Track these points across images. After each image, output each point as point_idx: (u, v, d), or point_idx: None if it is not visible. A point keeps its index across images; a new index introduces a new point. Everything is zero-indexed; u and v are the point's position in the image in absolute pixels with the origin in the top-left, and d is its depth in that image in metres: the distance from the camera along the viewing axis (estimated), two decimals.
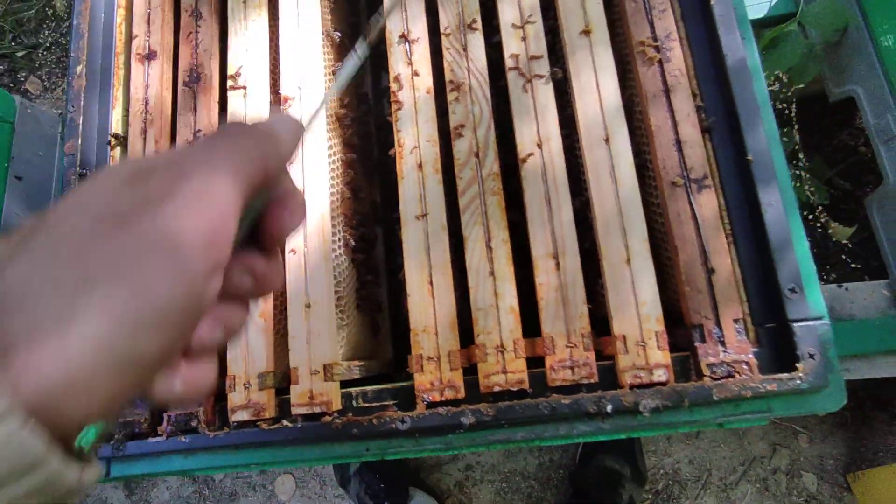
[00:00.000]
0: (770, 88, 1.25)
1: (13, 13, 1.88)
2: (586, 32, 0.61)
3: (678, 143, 0.57)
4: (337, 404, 0.59)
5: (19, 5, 1.89)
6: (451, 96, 0.61)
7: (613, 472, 1.49)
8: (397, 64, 0.63)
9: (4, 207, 1.14)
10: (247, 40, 0.69)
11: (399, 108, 0.63)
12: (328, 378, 0.58)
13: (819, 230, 1.34)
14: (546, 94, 0.60)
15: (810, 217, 1.33)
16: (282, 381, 0.61)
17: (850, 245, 1.32)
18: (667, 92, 0.58)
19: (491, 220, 0.57)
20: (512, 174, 0.61)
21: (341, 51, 0.76)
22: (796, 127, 1.28)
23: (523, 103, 0.60)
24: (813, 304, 0.53)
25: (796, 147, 1.28)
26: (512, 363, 0.55)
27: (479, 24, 0.62)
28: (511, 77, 0.61)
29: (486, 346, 0.55)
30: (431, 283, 0.58)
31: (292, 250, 0.62)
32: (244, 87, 0.67)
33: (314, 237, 0.62)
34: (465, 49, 0.61)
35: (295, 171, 0.64)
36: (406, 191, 0.60)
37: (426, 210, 0.59)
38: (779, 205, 0.54)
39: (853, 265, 1.37)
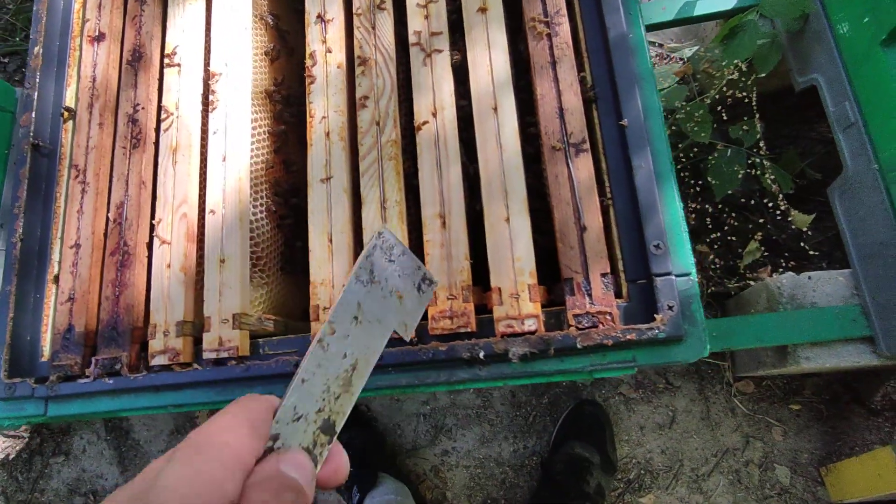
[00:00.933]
0: (730, 77, 1.26)
1: (25, 11, 2.00)
2: (482, 10, 0.65)
3: (560, 110, 0.60)
4: (244, 350, 0.64)
5: (30, 3, 2.01)
6: (358, 70, 0.66)
7: (582, 460, 1.51)
8: (313, 42, 0.68)
9: (3, 193, 1.23)
10: (184, 22, 0.75)
11: (312, 82, 0.68)
12: (236, 326, 0.63)
13: (779, 218, 1.34)
14: (443, 66, 0.65)
15: (770, 204, 1.33)
16: (198, 329, 0.66)
17: (809, 233, 1.32)
18: (553, 64, 0.62)
19: (387, 183, 0.62)
20: None
21: (276, 33, 0.81)
22: (757, 116, 1.29)
23: (422, 76, 0.65)
24: (678, 260, 0.56)
25: (758, 137, 1.29)
26: None
27: (387, 5, 0.67)
28: (413, 52, 0.66)
29: None
30: (331, 240, 0.62)
31: (212, 210, 0.67)
32: (179, 65, 0.73)
33: (231, 198, 0.67)
34: (373, 27, 0.66)
35: (217, 138, 0.69)
36: (314, 156, 0.65)
37: (330, 174, 0.64)
38: (649, 167, 0.57)
39: (811, 252, 1.37)
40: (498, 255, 0.58)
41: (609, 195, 0.59)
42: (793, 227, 1.33)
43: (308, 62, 0.68)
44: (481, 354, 0.56)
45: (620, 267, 0.58)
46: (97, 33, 0.77)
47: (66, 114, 0.77)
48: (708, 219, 1.41)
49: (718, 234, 1.37)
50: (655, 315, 0.54)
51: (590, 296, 0.56)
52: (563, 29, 0.63)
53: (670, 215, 0.57)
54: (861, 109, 1.16)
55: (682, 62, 1.45)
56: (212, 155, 0.69)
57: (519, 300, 0.56)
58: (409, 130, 0.65)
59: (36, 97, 0.76)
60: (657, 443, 1.73)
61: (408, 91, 0.67)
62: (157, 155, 0.71)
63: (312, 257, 0.62)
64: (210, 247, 0.66)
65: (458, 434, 1.61)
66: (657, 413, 1.73)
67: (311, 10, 0.70)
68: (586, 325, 0.55)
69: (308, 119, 0.67)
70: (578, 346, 0.54)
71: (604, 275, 0.56)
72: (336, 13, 0.70)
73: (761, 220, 1.38)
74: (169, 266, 0.67)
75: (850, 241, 1.25)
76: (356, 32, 0.68)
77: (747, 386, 1.71)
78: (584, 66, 0.64)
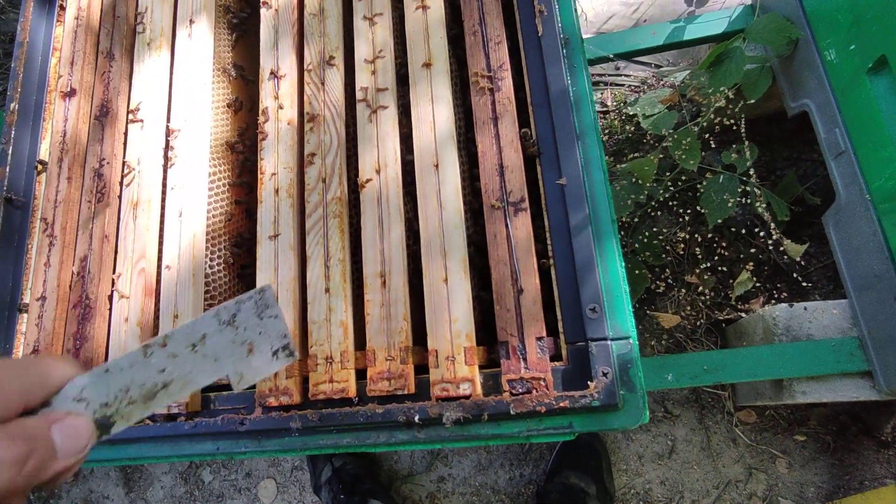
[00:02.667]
0: (717, 105, 1.24)
1: None
2: (427, 65, 0.65)
3: (501, 167, 0.60)
4: (195, 406, 0.65)
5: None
6: (307, 127, 0.67)
7: (578, 490, 1.49)
8: (265, 98, 0.69)
9: None
10: (148, 78, 0.77)
11: (264, 138, 0.69)
12: None
13: (771, 247, 1.30)
14: (388, 123, 0.65)
15: (761, 234, 1.29)
16: None
17: (802, 263, 1.28)
18: (495, 119, 0.62)
19: (331, 241, 0.62)
20: None
21: (241, 83, 0.83)
22: (747, 144, 1.26)
23: (367, 132, 0.65)
24: (617, 322, 0.55)
25: (748, 165, 1.26)
26: (338, 373, 0.59)
27: (336, 61, 0.67)
28: (360, 108, 0.66)
29: (318, 356, 0.60)
30: (276, 297, 0.63)
31: (168, 266, 0.69)
32: (141, 121, 0.75)
33: (186, 254, 0.68)
34: (322, 83, 0.67)
35: (175, 193, 0.71)
36: (262, 213, 0.66)
37: (278, 231, 0.65)
38: (587, 227, 0.56)
39: (804, 283, 1.33)
40: (435, 317, 0.58)
41: (551, 254, 0.59)
42: (786, 257, 1.29)
43: (260, 118, 0.69)
44: (416, 418, 0.55)
45: (560, 328, 0.57)
46: (69, 89, 0.80)
47: (39, 167, 0.80)
48: (698, 248, 1.37)
49: (709, 264, 1.34)
50: (588, 382, 0.52)
51: (525, 360, 0.55)
52: (506, 84, 0.63)
53: (610, 275, 0.56)
54: (851, 137, 1.12)
55: (671, 87, 1.43)
56: (169, 210, 0.70)
57: (455, 363, 0.56)
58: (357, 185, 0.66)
59: (10, 152, 0.79)
60: (656, 473, 1.69)
61: (356, 146, 0.67)
62: (121, 209, 0.73)
63: None
64: (165, 302, 0.68)
65: (455, 461, 1.60)
66: (656, 442, 1.69)
67: (265, 66, 0.71)
68: (520, 390, 0.54)
69: (259, 175, 0.68)
70: (512, 412, 0.53)
71: (539, 338, 0.55)
72: (289, 69, 0.71)
73: (753, 250, 1.34)
74: (126, 320, 0.68)
75: (845, 271, 1.21)
76: (306, 88, 0.69)
77: (749, 415, 1.66)
78: (530, 121, 0.63)
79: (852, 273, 1.18)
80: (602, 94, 1.80)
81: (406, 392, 0.57)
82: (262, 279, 0.64)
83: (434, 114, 0.63)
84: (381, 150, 0.64)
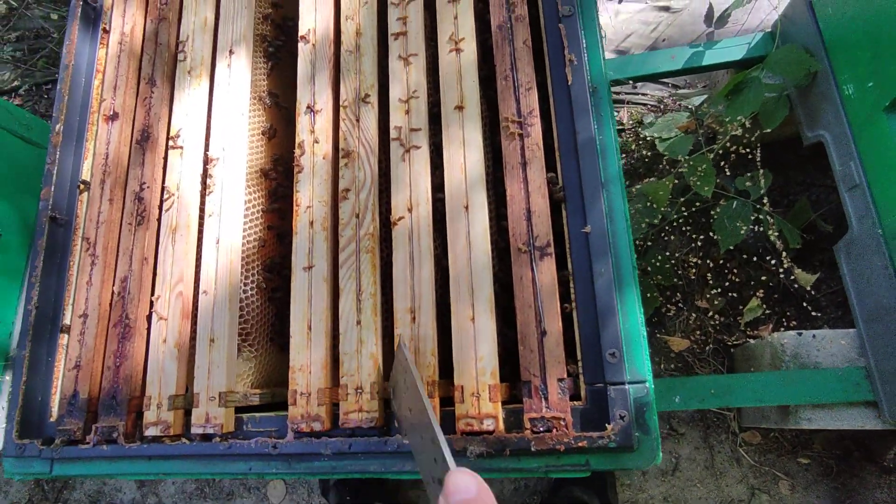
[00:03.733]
0: (733, 133, 1.26)
1: None
2: (459, 108, 0.68)
3: (528, 212, 0.63)
4: (229, 427, 0.68)
5: None
6: (342, 162, 0.70)
7: None
8: (302, 132, 0.73)
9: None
10: (188, 105, 0.80)
11: (300, 171, 0.72)
12: (222, 404, 0.68)
13: (782, 275, 1.32)
14: (420, 163, 0.68)
15: (773, 262, 1.31)
16: (190, 402, 0.71)
17: (812, 292, 1.30)
18: (524, 164, 0.64)
19: (363, 275, 0.65)
20: None
21: (276, 111, 0.86)
22: (761, 172, 1.28)
23: (400, 171, 0.68)
24: (635, 367, 0.58)
25: (762, 192, 1.28)
26: (368, 403, 0.62)
27: (372, 99, 0.70)
28: (393, 146, 0.69)
29: (349, 386, 0.63)
30: (310, 327, 0.66)
31: (204, 291, 0.72)
32: (181, 147, 0.78)
33: (222, 280, 0.72)
34: (357, 120, 0.70)
35: (212, 220, 0.74)
36: (297, 244, 0.70)
37: (312, 262, 0.68)
38: (609, 275, 0.59)
39: (814, 313, 1.34)
40: (462, 354, 0.61)
41: (574, 299, 0.61)
42: (796, 285, 1.31)
43: (297, 151, 0.73)
44: None
45: (579, 369, 0.60)
46: (112, 112, 0.84)
47: (81, 186, 0.84)
48: (709, 273, 1.40)
49: (719, 290, 1.36)
50: (606, 424, 0.55)
51: (546, 399, 0.58)
52: (535, 130, 0.66)
53: (630, 322, 0.59)
54: (865, 172, 1.14)
55: (688, 111, 1.45)
56: (207, 237, 0.74)
57: (479, 400, 0.59)
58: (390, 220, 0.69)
59: (55, 172, 0.83)
60: (659, 490, 1.72)
61: (390, 183, 0.70)
62: (160, 233, 0.77)
63: (292, 343, 0.66)
64: (201, 325, 0.71)
65: None
66: None
67: (301, 101, 0.74)
68: (541, 429, 0.57)
69: (294, 207, 0.71)
70: (532, 449, 0.56)
71: (560, 380, 0.58)
72: (325, 104, 0.74)
73: (763, 277, 1.36)
74: (164, 341, 0.72)
75: (854, 302, 1.23)
76: (342, 124, 0.72)
77: (753, 436, 1.69)
78: (557, 167, 0.66)
79: (862, 304, 1.21)
80: (619, 112, 1.82)
81: None
82: (296, 309, 0.67)
83: (465, 157, 0.66)
84: (413, 190, 0.67)
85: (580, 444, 0.55)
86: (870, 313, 1.17)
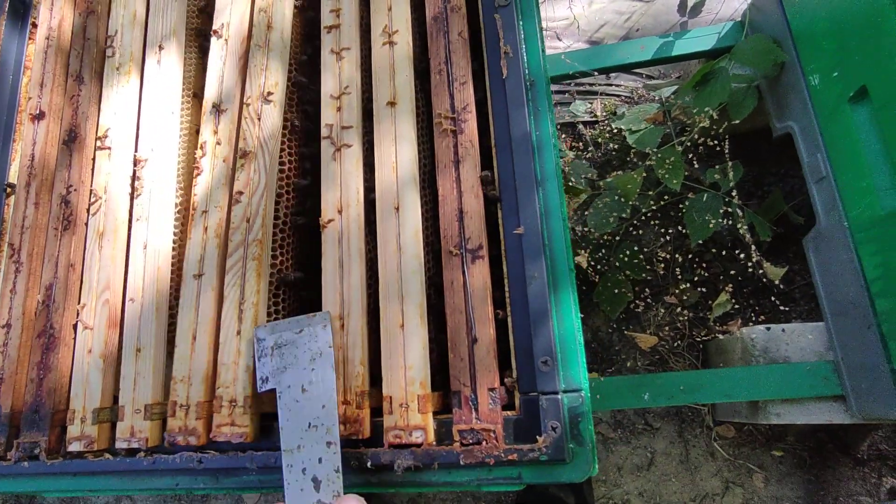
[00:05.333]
0: (701, 125, 1.23)
1: None
2: (392, 104, 0.65)
3: (460, 213, 0.60)
4: (154, 441, 0.65)
5: None
6: (238, 163, 0.66)
7: (557, 500, 1.51)
8: (205, 132, 0.69)
9: None
10: (116, 103, 0.76)
11: (199, 174, 0.68)
12: (148, 417, 0.65)
13: (750, 270, 1.30)
14: (352, 162, 0.65)
15: (742, 256, 1.29)
16: (116, 415, 0.68)
17: (781, 286, 1.28)
18: (457, 163, 0.61)
19: (247, 283, 0.62)
20: None
21: None
22: (730, 164, 1.26)
23: (331, 170, 0.65)
24: (570, 375, 0.55)
25: (731, 185, 1.25)
26: (240, 417, 0.59)
27: (275, 97, 0.67)
28: (324, 145, 0.66)
29: (223, 398, 0.60)
30: (195, 337, 0.63)
31: (131, 298, 0.69)
32: (109, 148, 0.75)
33: (150, 287, 0.68)
34: (259, 119, 0.66)
35: (140, 225, 0.71)
36: (189, 252, 0.66)
37: (203, 270, 0.65)
38: (542, 278, 0.56)
39: (782, 307, 1.33)
40: (390, 363, 0.58)
41: (508, 302, 0.59)
42: (765, 279, 1.29)
43: (198, 153, 0.69)
44: (369, 464, 0.56)
45: (514, 377, 0.57)
46: (38, 111, 0.80)
47: (8, 190, 0.80)
48: (678, 269, 1.37)
49: (688, 284, 1.34)
50: (538, 436, 0.53)
51: (476, 410, 0.55)
52: (469, 126, 0.62)
53: (565, 327, 0.56)
54: (832, 164, 1.12)
55: (658, 102, 1.42)
56: (134, 242, 0.70)
57: (408, 411, 0.56)
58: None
59: None
60: (635, 484, 1.71)
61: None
62: (87, 238, 0.73)
63: (177, 354, 0.64)
64: (128, 335, 0.68)
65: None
66: (635, 454, 1.71)
67: (208, 99, 0.71)
68: (471, 441, 0.54)
69: (190, 212, 0.68)
70: (461, 462, 0.53)
71: (491, 389, 0.55)
72: (231, 104, 0.70)
73: (733, 272, 1.34)
74: (90, 352, 0.69)
75: (822, 295, 1.22)
76: (242, 123, 0.68)
77: (728, 430, 1.68)
78: (493, 164, 0.63)
79: (829, 298, 1.19)
80: (592, 104, 1.79)
81: (361, 437, 0.58)
82: (182, 318, 0.64)
83: (397, 155, 0.63)
84: (343, 190, 0.64)
85: (510, 458, 0.52)
86: (837, 307, 1.16)
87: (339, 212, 0.63)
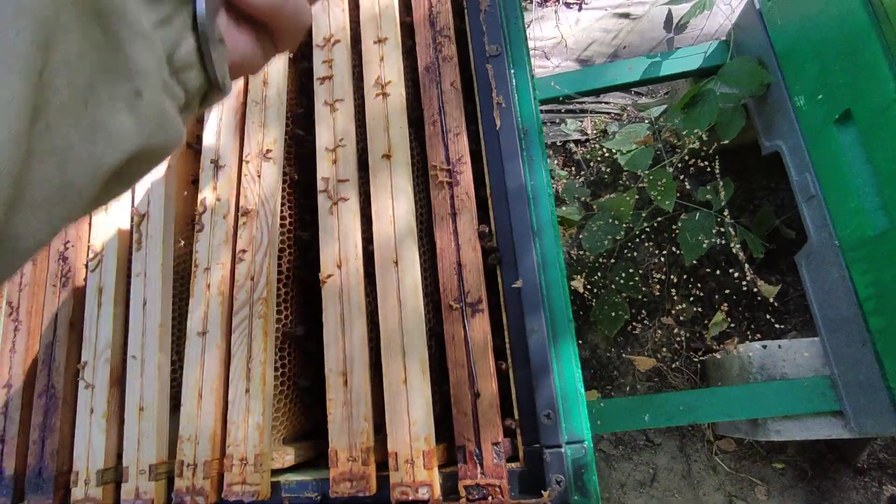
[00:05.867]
0: (691, 147, 1.25)
1: None
2: (387, 156, 0.65)
3: (459, 266, 0.60)
4: (160, 501, 0.65)
5: None
6: (240, 221, 0.67)
7: None
8: (204, 188, 0.69)
9: None
10: None
11: (200, 230, 0.69)
12: (153, 478, 0.64)
13: (745, 288, 1.31)
14: (349, 216, 0.65)
15: (736, 275, 1.31)
16: (121, 475, 0.67)
17: (775, 304, 1.29)
18: (454, 215, 0.62)
19: (254, 341, 0.63)
20: None
21: None
22: (721, 183, 1.27)
23: (328, 224, 0.65)
24: (572, 426, 0.56)
25: (722, 204, 1.27)
26: (251, 476, 0.60)
27: (273, 154, 0.67)
28: (321, 199, 0.67)
29: (234, 457, 0.61)
30: (201, 395, 0.63)
31: (132, 356, 0.69)
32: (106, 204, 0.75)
33: (150, 344, 0.68)
34: (259, 176, 0.67)
35: (139, 281, 0.71)
36: (192, 308, 0.67)
37: (207, 328, 0.65)
38: (542, 331, 0.57)
39: (777, 325, 1.34)
40: (395, 419, 0.58)
41: (510, 355, 0.59)
42: (759, 298, 1.31)
43: (198, 209, 0.69)
44: None
45: (518, 430, 0.58)
46: None
47: None
48: (673, 290, 1.38)
49: (684, 306, 1.35)
50: (543, 491, 0.53)
51: (481, 465, 0.56)
52: (465, 177, 0.63)
53: (566, 379, 0.57)
54: (820, 183, 1.14)
55: (648, 122, 1.43)
56: (133, 298, 0.71)
57: (414, 467, 0.57)
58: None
59: None
60: (638, 501, 1.71)
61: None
62: (86, 295, 0.73)
63: (183, 412, 0.64)
64: (130, 393, 0.68)
65: None
66: (638, 470, 1.71)
67: (206, 155, 0.71)
68: (476, 496, 0.55)
69: (192, 268, 0.68)
70: None
71: (495, 444, 0.56)
72: (229, 160, 0.71)
73: (727, 291, 1.35)
74: (92, 411, 0.68)
75: (817, 311, 1.23)
76: (243, 181, 0.69)
77: (728, 444, 1.68)
78: (490, 214, 0.63)
79: (823, 315, 1.20)
80: (583, 122, 1.81)
81: (367, 494, 0.58)
82: (188, 376, 0.65)
83: (394, 208, 0.64)
84: (342, 244, 0.65)
85: None
86: (831, 323, 1.17)
87: (339, 266, 0.64)
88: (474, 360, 0.58)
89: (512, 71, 0.66)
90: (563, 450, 0.54)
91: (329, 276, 0.64)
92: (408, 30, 0.72)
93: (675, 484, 1.69)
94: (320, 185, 0.67)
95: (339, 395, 0.61)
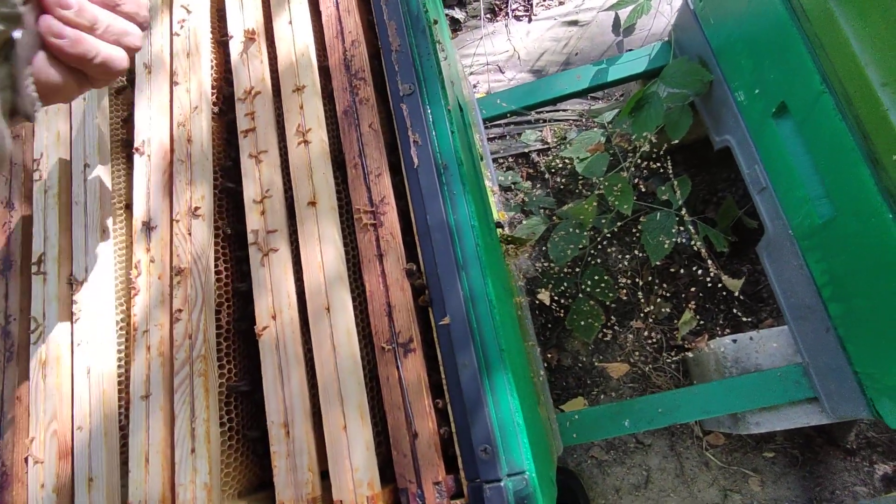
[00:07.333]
0: (643, 150, 1.26)
1: None
2: (312, 203, 0.66)
3: (389, 307, 0.61)
4: None
5: None
6: (175, 280, 0.67)
7: None
8: (138, 251, 0.70)
9: None
10: (46, 227, 0.77)
11: (136, 294, 0.69)
12: None
13: (710, 283, 1.32)
14: (280, 266, 0.65)
15: (699, 272, 1.31)
16: None
17: (741, 297, 1.30)
18: (380, 256, 0.62)
19: (196, 400, 0.63)
20: None
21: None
22: (675, 182, 1.28)
23: (261, 276, 0.66)
24: (512, 458, 0.56)
25: (680, 203, 1.28)
26: None
27: (202, 211, 0.68)
28: (252, 252, 0.67)
29: None
30: (147, 459, 0.63)
31: (79, 427, 0.69)
32: (45, 273, 0.75)
33: (97, 413, 0.68)
34: (189, 234, 0.67)
35: (82, 350, 0.71)
36: (134, 372, 0.67)
37: (149, 391, 0.65)
38: (473, 366, 0.57)
39: (745, 318, 1.35)
40: (337, 466, 0.58)
41: (446, 391, 0.59)
42: (724, 293, 1.32)
43: (133, 273, 0.70)
44: None
45: (460, 465, 0.58)
46: None
47: None
48: (640, 293, 1.39)
49: (652, 308, 1.35)
50: None
51: None
52: (388, 218, 0.64)
53: (502, 410, 0.57)
54: (769, 175, 1.15)
55: (602, 128, 1.45)
56: (78, 367, 0.70)
57: None
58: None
59: None
60: (634, 503, 1.70)
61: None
62: (30, 368, 0.73)
63: (130, 478, 0.63)
64: (79, 465, 0.67)
65: None
66: (631, 474, 1.70)
67: (137, 217, 0.72)
68: None
69: (131, 332, 0.68)
70: None
71: (436, 483, 0.56)
72: (161, 220, 0.71)
73: (693, 289, 1.36)
74: (42, 486, 0.68)
75: (782, 300, 1.24)
76: (175, 240, 0.69)
77: (718, 438, 1.68)
78: (419, 254, 0.64)
79: (788, 303, 1.21)
80: (542, 131, 1.83)
81: None
82: (133, 442, 0.64)
83: (322, 255, 0.64)
84: (275, 295, 0.65)
85: None
86: (796, 311, 1.18)
87: (273, 317, 0.64)
88: (410, 400, 0.58)
89: (427, 108, 0.66)
90: (502, 483, 0.54)
91: (265, 327, 0.64)
92: (327, 73, 0.73)
93: (670, 483, 1.68)
94: (250, 237, 0.67)
95: (281, 447, 0.61)
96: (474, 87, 1.87)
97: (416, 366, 0.59)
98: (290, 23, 0.74)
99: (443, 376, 0.60)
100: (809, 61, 0.90)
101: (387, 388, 0.59)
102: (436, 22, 0.76)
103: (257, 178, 0.69)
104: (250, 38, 0.75)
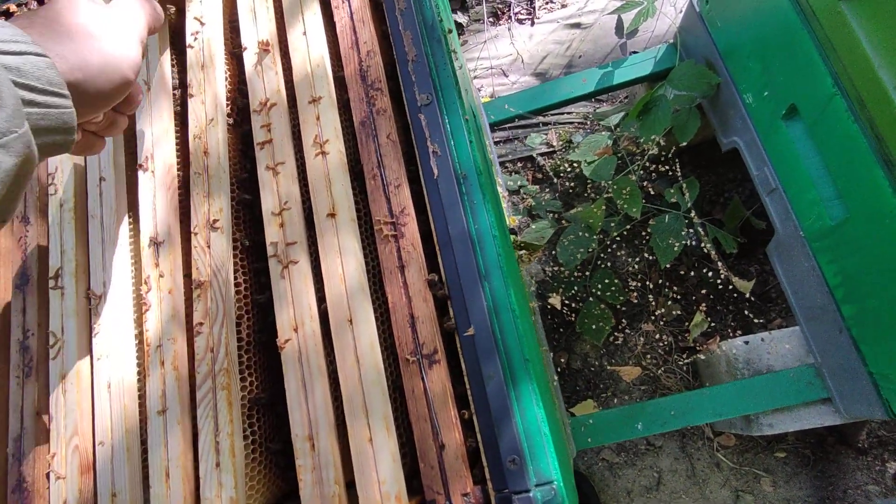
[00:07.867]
0: (651, 153, 1.26)
1: None
2: (332, 215, 0.66)
3: (412, 318, 0.61)
4: None
5: None
6: (194, 293, 0.67)
7: None
8: (146, 267, 0.70)
9: None
10: (63, 242, 0.77)
11: (147, 310, 0.69)
12: None
13: (720, 285, 1.32)
14: (300, 278, 0.65)
15: (709, 273, 1.31)
16: None
17: (752, 299, 1.30)
18: (402, 268, 0.62)
19: (220, 414, 0.63)
20: None
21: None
22: (683, 183, 1.28)
23: (281, 289, 0.66)
24: (539, 468, 0.56)
25: (688, 205, 1.28)
26: None
27: (221, 223, 0.68)
28: (272, 264, 0.67)
29: None
30: (168, 475, 0.63)
31: (101, 442, 0.68)
32: (62, 288, 0.75)
33: (118, 428, 0.68)
34: (208, 247, 0.67)
35: (102, 364, 0.71)
36: (150, 387, 0.66)
37: (166, 406, 0.65)
38: (499, 376, 0.57)
39: (756, 320, 1.35)
40: (364, 479, 0.58)
41: (472, 402, 0.59)
42: (735, 294, 1.32)
43: (143, 288, 0.70)
44: None
45: (487, 476, 0.57)
46: None
47: None
48: (650, 296, 1.39)
49: (663, 310, 1.35)
50: None
51: None
52: (409, 229, 0.64)
53: (528, 420, 0.57)
54: (779, 177, 1.15)
55: (608, 130, 1.45)
56: (98, 382, 0.70)
57: None
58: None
59: None
60: None
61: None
62: (50, 383, 0.73)
63: (152, 494, 0.63)
64: (101, 480, 0.67)
65: None
66: (643, 476, 1.70)
67: (143, 232, 0.72)
68: None
69: (144, 348, 0.68)
70: None
71: (465, 494, 0.56)
72: (168, 234, 0.71)
73: (704, 291, 1.36)
74: (65, 502, 0.68)
75: (793, 301, 1.24)
76: (193, 253, 0.69)
77: (728, 439, 1.68)
78: (439, 263, 0.64)
79: (800, 304, 1.21)
80: (547, 135, 1.83)
81: None
82: (153, 457, 0.64)
83: (343, 266, 0.64)
84: (296, 308, 0.65)
85: None
86: (807, 312, 1.18)
87: (295, 330, 0.64)
88: (436, 411, 0.58)
89: (446, 118, 0.66)
90: (531, 494, 0.54)
91: (287, 340, 0.64)
92: (342, 84, 0.73)
93: (682, 485, 1.68)
94: (270, 250, 0.67)
95: (307, 461, 0.60)
96: (479, 90, 1.87)
97: (441, 377, 0.59)
98: (305, 34, 0.75)
99: (467, 387, 0.60)
100: (820, 63, 0.90)
101: (412, 399, 0.59)
102: (450, 31, 0.76)
103: (275, 190, 0.69)
104: (264, 49, 0.75)
